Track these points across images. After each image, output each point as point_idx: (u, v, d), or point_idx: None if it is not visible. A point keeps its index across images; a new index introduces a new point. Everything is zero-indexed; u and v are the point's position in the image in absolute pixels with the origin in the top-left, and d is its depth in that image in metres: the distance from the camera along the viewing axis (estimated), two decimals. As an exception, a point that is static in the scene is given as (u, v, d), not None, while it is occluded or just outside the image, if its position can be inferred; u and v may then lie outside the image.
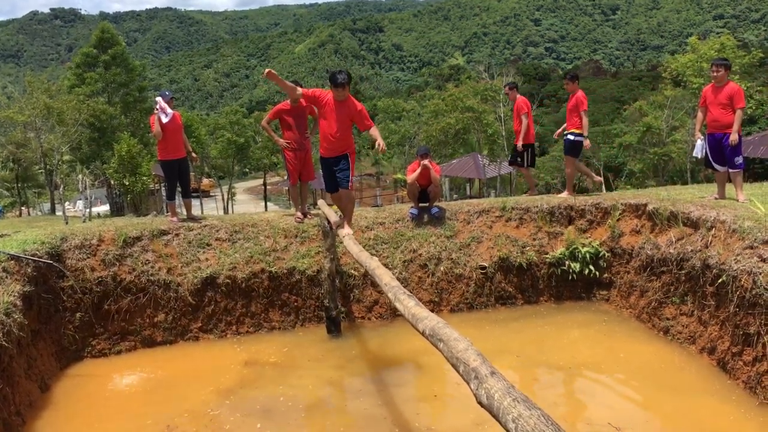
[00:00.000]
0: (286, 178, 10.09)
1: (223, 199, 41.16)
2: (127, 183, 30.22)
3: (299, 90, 7.06)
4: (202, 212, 29.83)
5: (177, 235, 8.59)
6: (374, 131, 7.21)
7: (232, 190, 43.06)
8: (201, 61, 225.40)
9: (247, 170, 56.40)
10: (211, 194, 49.86)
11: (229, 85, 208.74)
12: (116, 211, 35.82)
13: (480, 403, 2.83)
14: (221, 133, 40.65)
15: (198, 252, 8.45)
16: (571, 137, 10.05)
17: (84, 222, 13.13)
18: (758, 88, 28.79)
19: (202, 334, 8.15)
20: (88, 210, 31.61)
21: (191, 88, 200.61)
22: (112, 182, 34.82)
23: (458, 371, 3.14)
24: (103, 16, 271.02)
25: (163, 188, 39.73)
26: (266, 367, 7.29)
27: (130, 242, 8.20)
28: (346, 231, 7.14)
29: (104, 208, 40.21)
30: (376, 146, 6.83)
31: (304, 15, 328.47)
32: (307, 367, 7.22)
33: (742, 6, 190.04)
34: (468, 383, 2.99)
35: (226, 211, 38.43)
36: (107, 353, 7.74)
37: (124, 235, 8.17)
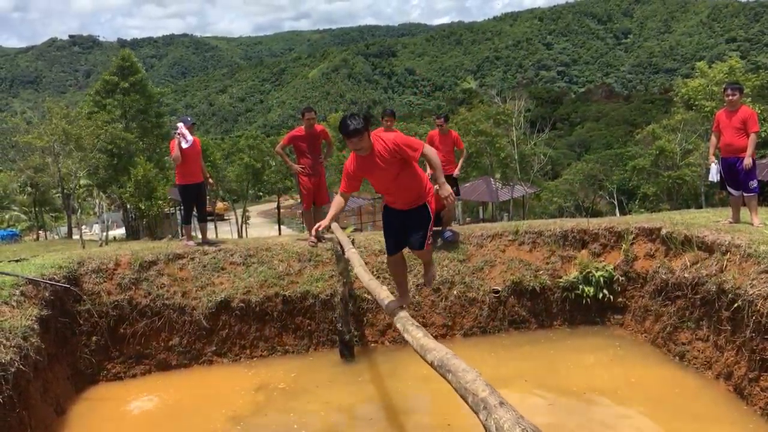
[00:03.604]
0: (299, 201, 10.17)
1: (237, 223, 41.37)
2: (142, 207, 30.50)
3: (344, 194, 5.16)
4: (216, 235, 30.00)
5: (192, 259, 8.66)
6: (427, 152, 5.00)
7: (247, 214, 43.27)
8: (216, 86, 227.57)
9: (261, 194, 56.64)
10: (225, 217, 50.13)
11: (243, 110, 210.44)
12: (132, 234, 36.08)
13: (489, 434, 2.84)
14: (239, 156, 41.01)
15: (212, 276, 8.51)
16: None
17: (101, 246, 13.27)
18: (772, 111, 28.64)
19: (216, 358, 8.18)
20: (104, 234, 31.87)
21: (206, 112, 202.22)
22: (128, 206, 35.11)
23: (467, 402, 3.16)
24: (121, 42, 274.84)
25: (178, 212, 40.04)
26: (278, 392, 7.30)
27: (145, 266, 8.29)
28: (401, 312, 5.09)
29: (120, 231, 40.51)
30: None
31: (317, 40, 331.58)
32: (319, 392, 7.21)
33: (755, 29, 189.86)
34: (477, 414, 2.99)
35: (240, 234, 38.59)
36: (122, 377, 7.79)
37: (140, 259, 8.27)
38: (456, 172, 10.67)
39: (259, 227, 44.62)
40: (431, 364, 3.76)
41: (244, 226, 41.62)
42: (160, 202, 31.27)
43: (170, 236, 24.52)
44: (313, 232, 5.21)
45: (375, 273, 8.06)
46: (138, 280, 8.12)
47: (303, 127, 9.32)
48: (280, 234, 34.12)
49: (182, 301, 8.14)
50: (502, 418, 2.74)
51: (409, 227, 5.23)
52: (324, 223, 5.05)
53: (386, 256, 5.69)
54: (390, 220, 5.35)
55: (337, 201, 5.14)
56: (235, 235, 37.47)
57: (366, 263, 7.52)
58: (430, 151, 4.96)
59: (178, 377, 7.85)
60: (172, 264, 8.50)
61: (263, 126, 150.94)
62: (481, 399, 2.98)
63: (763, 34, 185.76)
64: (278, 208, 44.92)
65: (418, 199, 5.14)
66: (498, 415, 2.77)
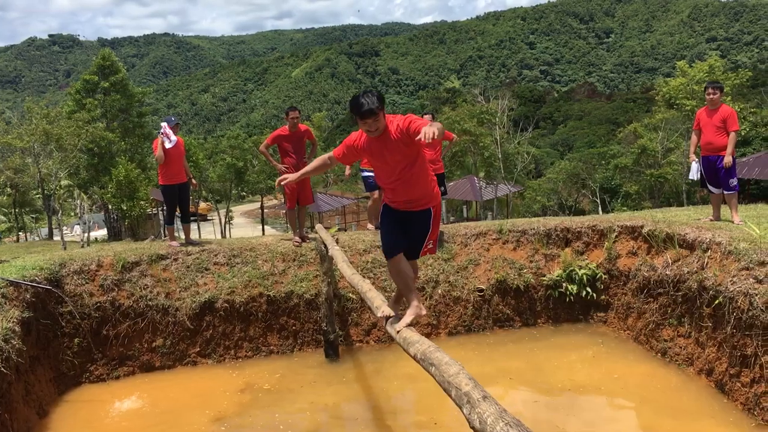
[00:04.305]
0: (283, 201, 10.13)
1: (220, 223, 41.16)
2: (125, 207, 30.24)
3: (332, 159, 4.71)
4: (199, 236, 29.82)
5: (175, 259, 8.61)
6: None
7: (230, 214, 43.07)
8: (198, 85, 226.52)
9: (244, 193, 56.44)
10: (208, 218, 49.88)
11: (226, 109, 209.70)
12: (114, 235, 35.78)
13: (473, 428, 2.83)
14: (221, 156, 40.81)
15: (196, 276, 8.46)
16: None
17: (82, 247, 13.16)
18: (752, 110, 29.01)
19: (200, 359, 8.14)
20: (86, 235, 31.57)
21: (189, 112, 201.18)
22: (110, 207, 34.83)
23: (450, 396, 3.14)
24: (102, 42, 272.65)
25: (160, 212, 39.76)
26: (263, 392, 7.27)
27: (128, 267, 8.22)
28: (410, 318, 4.34)
29: (101, 232, 40.17)
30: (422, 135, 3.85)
31: (300, 39, 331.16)
32: (304, 392, 7.20)
33: (735, 29, 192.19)
34: (460, 408, 2.98)
35: (223, 234, 38.41)
36: (105, 379, 7.72)
37: (122, 260, 8.20)
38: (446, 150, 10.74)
39: (242, 227, 44.44)
40: (414, 357, 3.73)
41: (227, 226, 41.43)
42: (143, 202, 31.00)
43: (153, 237, 24.33)
44: (277, 184, 4.88)
45: (360, 272, 8.06)
46: (121, 282, 8.06)
47: (287, 126, 9.30)
48: (263, 234, 34.01)
49: (166, 302, 8.09)
50: (485, 412, 2.72)
51: (409, 233, 4.55)
52: (293, 177, 4.67)
53: (387, 261, 4.74)
54: (389, 221, 4.62)
55: (321, 159, 4.68)
56: (219, 236, 37.29)
57: (351, 263, 7.51)
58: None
59: (162, 379, 7.80)
60: (155, 265, 8.44)
61: (246, 126, 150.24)
62: (464, 393, 2.96)
63: (742, 33, 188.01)
64: (261, 208, 44.77)
65: (421, 199, 4.48)
66: (481, 409, 2.75)
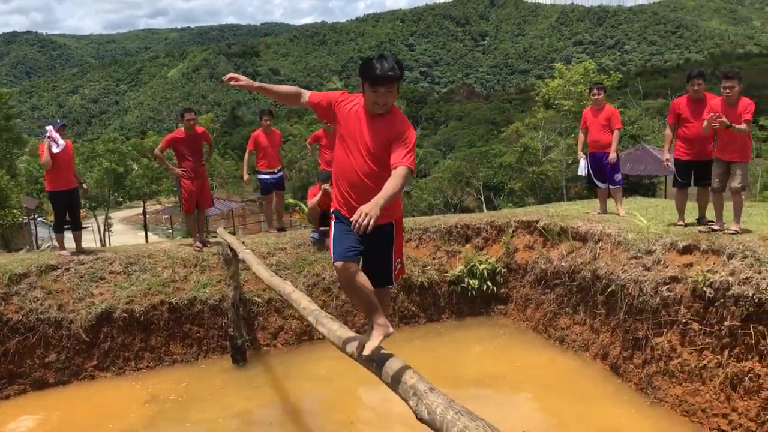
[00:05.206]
0: (175, 205, 9.79)
1: (99, 230, 39.13)
2: (-6, 217, 28.11)
3: (304, 96, 3.88)
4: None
5: (67, 269, 8.14)
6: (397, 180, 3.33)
7: (109, 221, 41.04)
8: (66, 86, 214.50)
9: (121, 199, 53.96)
10: (84, 225, 47.32)
11: (97, 111, 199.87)
12: (-21, 247, 33.20)
13: (421, 419, 2.89)
14: (99, 161, 38.74)
15: (91, 286, 8.04)
16: None
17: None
18: (620, 110, 30.96)
19: (98, 373, 7.74)
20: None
21: (56, 114, 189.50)
22: (-25, 217, 32.31)
23: (395, 390, 3.20)
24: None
25: (31, 222, 37.29)
26: (170, 403, 7.04)
27: (15, 279, 7.69)
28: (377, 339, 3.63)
29: (-35, 244, 37.17)
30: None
31: (176, 39, 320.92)
32: (213, 400, 7.03)
33: (598, 33, 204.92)
34: (406, 401, 3.05)
35: (103, 242, 36.56)
36: (-6, 399, 7.20)
37: (9, 272, 7.66)
38: None
39: (122, 234, 42.48)
40: (351, 356, 3.74)
41: (106, 233, 39.48)
42: (15, 211, 28.91)
43: (28, 247, 22.85)
44: (226, 79, 3.80)
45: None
46: (8, 295, 7.52)
47: (183, 129, 9.00)
48: (146, 240, 32.71)
49: (58, 314, 7.62)
50: (433, 402, 2.79)
51: (368, 247, 3.62)
52: (248, 82, 3.77)
53: (335, 267, 3.64)
54: (343, 228, 3.62)
55: (295, 90, 3.88)
56: (98, 244, 35.47)
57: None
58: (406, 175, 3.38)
59: (58, 396, 7.36)
60: (45, 276, 7.94)
61: (120, 128, 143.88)
62: (410, 386, 3.03)
63: (605, 37, 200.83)
64: (144, 213, 42.99)
65: (388, 209, 3.34)
66: (429, 400, 2.83)
